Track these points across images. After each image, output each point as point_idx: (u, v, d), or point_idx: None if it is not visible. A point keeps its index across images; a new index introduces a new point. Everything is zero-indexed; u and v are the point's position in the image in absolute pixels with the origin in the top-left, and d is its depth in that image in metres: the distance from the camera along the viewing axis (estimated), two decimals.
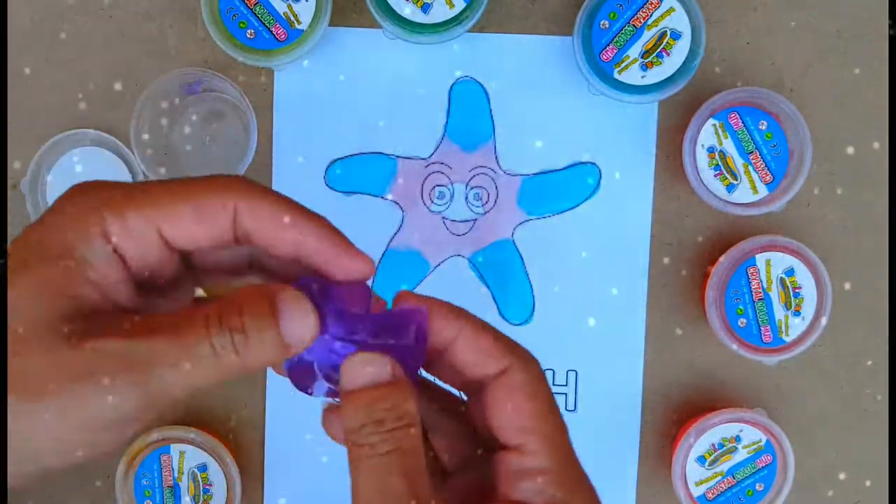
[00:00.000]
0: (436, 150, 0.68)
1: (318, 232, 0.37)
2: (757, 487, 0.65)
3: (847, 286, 0.67)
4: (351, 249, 0.38)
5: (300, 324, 0.36)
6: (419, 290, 0.68)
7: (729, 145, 0.64)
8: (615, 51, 0.64)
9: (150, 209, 0.36)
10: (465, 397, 0.40)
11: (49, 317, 0.34)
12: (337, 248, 0.38)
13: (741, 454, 0.65)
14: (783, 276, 0.64)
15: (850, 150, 0.67)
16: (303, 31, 0.64)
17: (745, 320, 0.65)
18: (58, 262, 0.35)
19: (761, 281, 0.64)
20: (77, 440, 0.34)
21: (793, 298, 0.65)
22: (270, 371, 0.68)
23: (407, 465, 0.35)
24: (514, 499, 0.37)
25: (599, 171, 0.68)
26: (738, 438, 0.65)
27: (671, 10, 0.63)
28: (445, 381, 0.40)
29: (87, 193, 0.36)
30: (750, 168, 0.65)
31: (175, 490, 0.65)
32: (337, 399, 0.38)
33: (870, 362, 0.68)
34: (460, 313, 0.38)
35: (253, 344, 0.35)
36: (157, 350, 0.34)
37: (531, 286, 0.68)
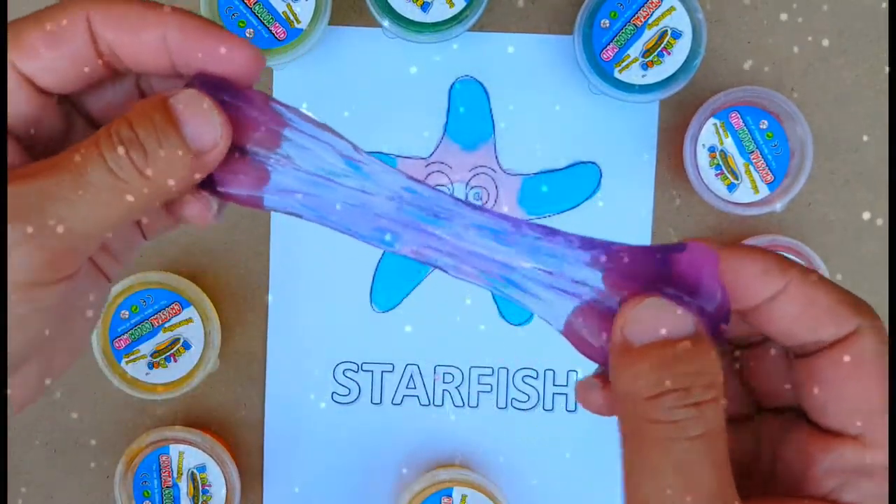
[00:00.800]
0: (436, 150, 0.67)
1: (181, 23, 0.32)
2: None
3: (847, 286, 0.67)
4: (226, 35, 0.32)
5: (204, 121, 0.31)
6: (419, 290, 0.68)
7: (730, 145, 0.64)
8: (616, 50, 0.64)
9: (10, 46, 0.32)
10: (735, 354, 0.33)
11: None
12: (209, 37, 0.32)
13: None
14: None
15: (851, 149, 0.67)
16: (302, 30, 0.64)
17: None
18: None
19: None
20: None
21: None
22: (269, 372, 0.68)
23: (718, 455, 0.28)
24: (846, 500, 0.30)
25: (600, 170, 0.67)
26: None
27: (672, 9, 0.63)
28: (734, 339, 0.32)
29: None
30: (751, 168, 0.64)
31: (174, 491, 0.65)
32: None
33: None
34: (784, 262, 0.30)
35: (154, 156, 0.30)
36: (47, 187, 0.30)
37: None
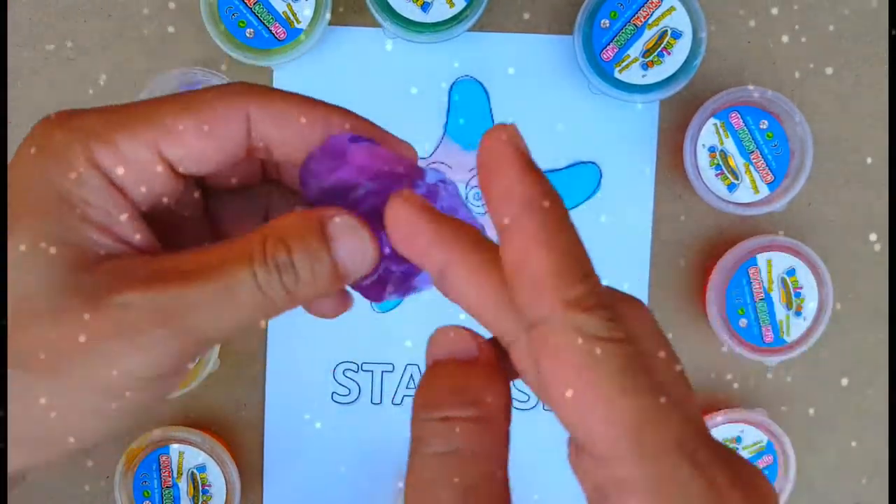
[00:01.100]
0: (436, 150, 0.67)
1: (344, 121, 0.33)
2: None
3: (848, 286, 0.67)
4: (389, 136, 0.33)
5: (357, 250, 0.30)
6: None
7: (730, 145, 0.64)
8: (616, 50, 0.64)
9: (144, 128, 0.30)
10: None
11: (55, 275, 0.29)
12: (372, 135, 0.32)
13: (742, 455, 0.65)
14: (784, 275, 0.64)
15: (851, 149, 0.67)
16: (302, 30, 0.64)
17: (746, 320, 0.64)
18: (49, 209, 0.29)
19: (762, 281, 0.64)
20: (112, 408, 0.30)
21: (794, 298, 0.64)
22: (269, 372, 0.68)
23: (464, 479, 0.26)
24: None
25: (600, 170, 0.67)
26: (738, 439, 0.65)
27: (672, 9, 0.63)
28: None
29: (65, 125, 0.31)
30: (751, 167, 0.64)
31: (174, 490, 0.65)
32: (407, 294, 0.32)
33: (871, 362, 0.68)
34: (530, 200, 0.28)
35: (304, 278, 0.30)
36: (192, 296, 0.29)
37: None
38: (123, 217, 0.31)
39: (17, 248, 0.29)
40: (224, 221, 0.35)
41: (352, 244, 0.30)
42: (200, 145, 0.31)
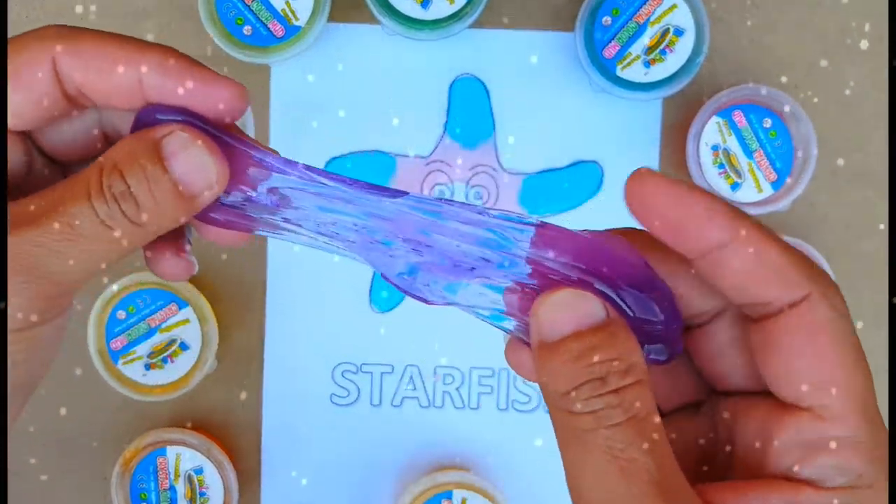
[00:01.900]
0: (436, 149, 0.67)
1: (160, 62, 0.30)
2: None
3: (851, 285, 0.67)
4: (208, 73, 0.30)
5: (197, 165, 0.29)
6: None
7: (733, 143, 0.64)
8: (618, 47, 0.63)
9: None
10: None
11: None
12: (190, 76, 0.30)
13: None
14: None
15: (855, 148, 0.67)
16: (301, 27, 0.64)
17: None
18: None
19: None
20: None
21: None
22: (267, 373, 0.67)
23: (650, 438, 0.27)
24: (805, 476, 0.28)
25: (602, 169, 0.67)
26: None
27: (674, 6, 0.63)
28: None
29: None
30: (754, 166, 0.64)
31: (171, 493, 0.65)
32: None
33: (874, 363, 0.67)
34: (734, 210, 0.28)
35: (145, 203, 0.29)
36: (36, 237, 0.29)
37: None
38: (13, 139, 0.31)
39: None
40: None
41: (190, 158, 0.29)
42: (10, 97, 0.30)
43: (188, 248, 0.34)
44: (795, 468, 0.28)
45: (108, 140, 0.33)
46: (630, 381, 0.27)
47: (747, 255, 0.28)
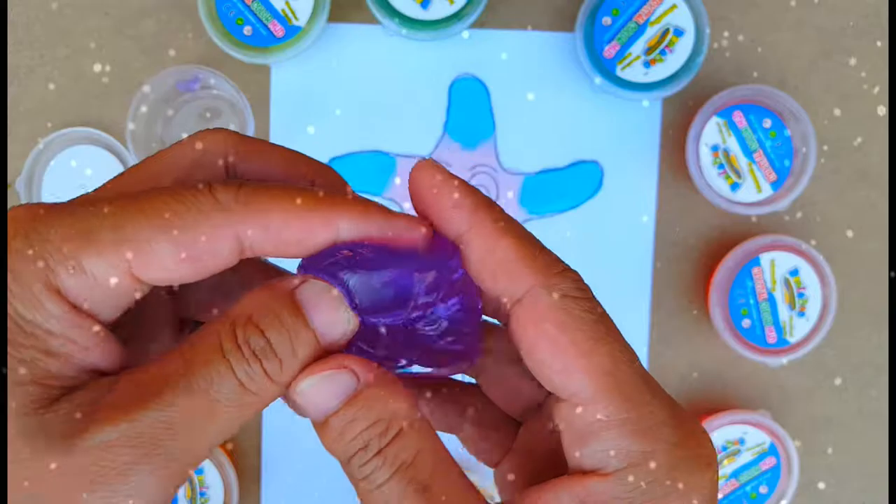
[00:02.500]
0: (436, 148, 0.67)
1: (359, 220, 0.28)
2: (761, 490, 0.65)
3: (852, 286, 0.67)
4: (396, 220, 0.28)
5: (335, 314, 0.28)
6: None
7: (733, 143, 0.64)
8: (618, 47, 0.63)
9: (114, 247, 0.26)
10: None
11: (17, 424, 0.25)
12: (386, 228, 0.28)
13: (745, 456, 0.64)
14: (788, 276, 0.64)
15: (855, 148, 0.67)
16: (301, 27, 0.64)
17: (749, 321, 0.64)
18: (6, 349, 0.26)
19: (765, 281, 0.64)
20: None
21: (797, 299, 0.64)
22: None
23: (421, 472, 0.27)
24: (589, 466, 0.28)
25: (602, 169, 0.67)
26: (741, 441, 0.64)
27: (674, 6, 0.63)
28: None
29: (30, 236, 0.27)
30: (754, 167, 0.64)
31: None
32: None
33: (874, 363, 0.68)
34: (481, 206, 0.28)
35: (286, 359, 0.27)
36: (169, 416, 0.26)
37: None
38: (89, 344, 0.27)
39: None
40: (190, 300, 0.32)
41: (329, 307, 0.28)
42: (179, 270, 0.27)
43: None
44: (580, 459, 0.28)
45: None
46: (391, 437, 0.27)
47: (480, 249, 0.28)
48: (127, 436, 0.25)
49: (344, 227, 0.27)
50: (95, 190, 0.29)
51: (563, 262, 0.29)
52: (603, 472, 0.27)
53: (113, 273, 0.26)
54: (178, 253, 0.26)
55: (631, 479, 0.27)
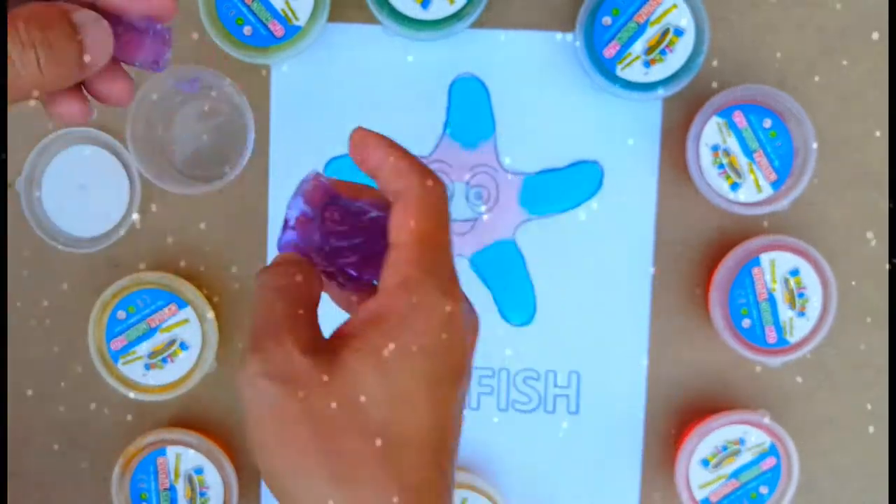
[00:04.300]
0: (436, 148, 0.67)
1: None
2: (761, 490, 0.65)
3: (852, 286, 0.67)
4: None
5: (101, 43, 0.39)
6: None
7: (733, 143, 0.64)
8: (618, 47, 0.63)
9: None
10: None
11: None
12: None
13: (745, 457, 0.65)
14: (788, 276, 0.64)
15: (855, 148, 0.67)
16: (300, 27, 0.64)
17: (749, 321, 0.64)
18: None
19: (766, 281, 0.64)
20: None
21: (797, 299, 0.64)
22: None
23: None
24: (384, 285, 0.38)
25: (602, 169, 0.67)
26: (741, 441, 0.64)
27: (674, 6, 0.63)
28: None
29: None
30: (754, 167, 0.64)
31: (171, 493, 0.65)
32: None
33: (875, 363, 0.68)
34: (386, 148, 0.42)
35: (55, 61, 0.38)
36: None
37: (533, 287, 0.68)
38: None
39: None
40: None
41: (97, 35, 0.39)
42: None
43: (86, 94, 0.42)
44: (383, 280, 0.38)
45: None
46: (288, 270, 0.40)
47: (388, 169, 0.41)
48: None
49: None
50: None
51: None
52: (389, 290, 0.37)
53: None
54: None
55: (405, 297, 0.37)
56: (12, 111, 0.67)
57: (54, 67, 0.37)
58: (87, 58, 0.38)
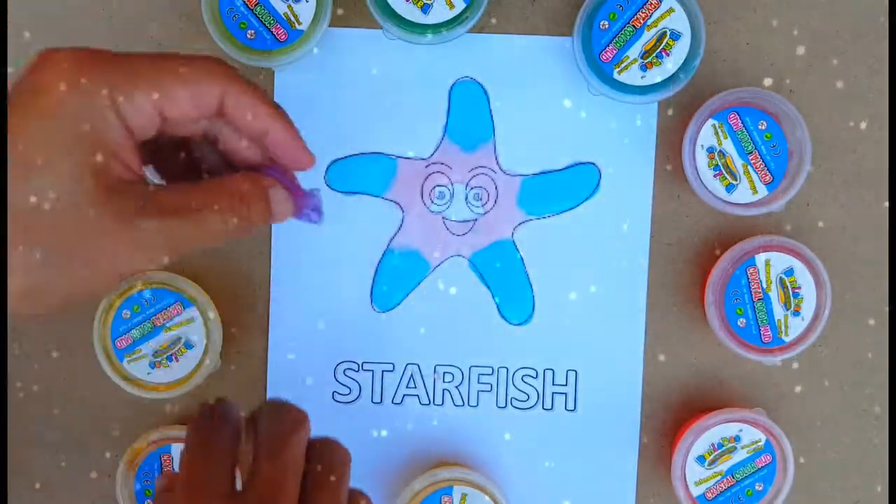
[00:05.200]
0: (436, 151, 0.68)
1: (284, 128, 0.48)
2: (756, 487, 0.65)
3: (846, 286, 0.67)
4: (303, 146, 0.49)
5: (283, 211, 0.48)
6: (419, 290, 0.68)
7: (728, 145, 0.64)
8: (615, 51, 0.64)
9: (153, 89, 0.42)
10: None
11: (97, 195, 0.41)
12: (296, 145, 0.48)
13: (741, 454, 0.65)
14: (783, 275, 0.64)
15: (850, 150, 0.67)
16: (303, 31, 0.64)
17: (744, 320, 0.65)
18: (83, 140, 0.41)
19: (761, 281, 0.64)
20: (99, 284, 0.43)
21: (792, 298, 0.64)
22: (270, 371, 0.68)
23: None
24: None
25: (599, 171, 0.68)
26: (737, 438, 0.65)
27: (671, 10, 0.63)
28: None
29: (90, 71, 0.41)
30: (749, 168, 0.65)
31: None
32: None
33: (869, 362, 0.68)
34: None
35: (249, 227, 0.46)
36: (183, 232, 0.43)
37: (531, 286, 0.68)
38: (132, 150, 0.43)
39: (69, 175, 0.40)
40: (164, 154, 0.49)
41: (281, 208, 0.48)
42: (189, 112, 0.45)
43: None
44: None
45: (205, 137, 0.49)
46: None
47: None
48: (157, 230, 0.42)
49: (274, 132, 0.48)
50: (122, 53, 0.43)
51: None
52: None
53: (149, 106, 0.43)
54: (190, 99, 0.44)
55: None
56: None
57: (246, 230, 0.46)
58: (271, 220, 0.47)
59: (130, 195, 0.42)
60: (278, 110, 0.47)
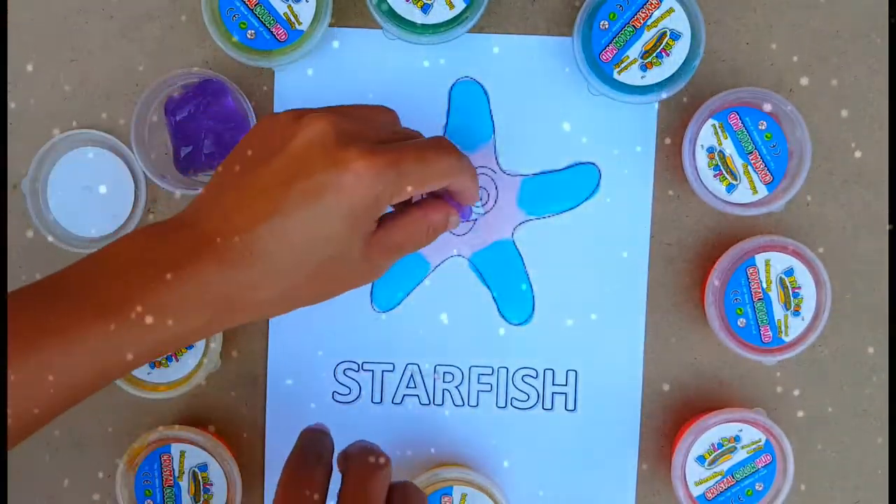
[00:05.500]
0: None
1: (475, 185, 0.59)
2: (756, 487, 0.65)
3: (846, 286, 0.67)
4: (476, 193, 0.59)
5: (456, 222, 0.60)
6: (419, 290, 0.68)
7: (728, 145, 0.64)
8: (615, 51, 0.64)
9: (416, 190, 0.54)
10: None
11: (362, 250, 0.54)
12: (473, 193, 0.59)
13: (741, 454, 0.65)
14: (783, 275, 0.64)
15: (850, 149, 0.67)
16: (303, 31, 0.64)
17: (744, 320, 0.65)
18: (368, 226, 0.54)
19: (761, 281, 0.64)
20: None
21: (792, 298, 0.65)
22: (270, 371, 0.68)
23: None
24: None
25: (599, 171, 0.68)
26: (737, 438, 0.65)
27: (671, 10, 0.64)
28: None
29: (377, 183, 0.52)
30: (749, 168, 0.65)
31: (175, 489, 0.65)
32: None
33: (869, 362, 0.68)
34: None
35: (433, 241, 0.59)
36: (403, 242, 0.57)
37: (531, 286, 0.68)
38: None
39: (355, 236, 0.54)
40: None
41: (455, 221, 0.60)
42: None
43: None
44: None
45: None
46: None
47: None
48: (384, 263, 0.57)
49: (469, 192, 0.59)
50: (394, 149, 0.54)
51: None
52: None
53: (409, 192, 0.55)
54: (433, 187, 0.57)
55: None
56: (20, 115, 0.67)
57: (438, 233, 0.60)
58: (451, 229, 0.61)
59: (375, 245, 0.55)
60: (475, 173, 0.59)
